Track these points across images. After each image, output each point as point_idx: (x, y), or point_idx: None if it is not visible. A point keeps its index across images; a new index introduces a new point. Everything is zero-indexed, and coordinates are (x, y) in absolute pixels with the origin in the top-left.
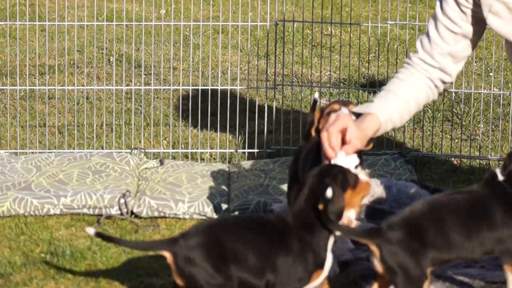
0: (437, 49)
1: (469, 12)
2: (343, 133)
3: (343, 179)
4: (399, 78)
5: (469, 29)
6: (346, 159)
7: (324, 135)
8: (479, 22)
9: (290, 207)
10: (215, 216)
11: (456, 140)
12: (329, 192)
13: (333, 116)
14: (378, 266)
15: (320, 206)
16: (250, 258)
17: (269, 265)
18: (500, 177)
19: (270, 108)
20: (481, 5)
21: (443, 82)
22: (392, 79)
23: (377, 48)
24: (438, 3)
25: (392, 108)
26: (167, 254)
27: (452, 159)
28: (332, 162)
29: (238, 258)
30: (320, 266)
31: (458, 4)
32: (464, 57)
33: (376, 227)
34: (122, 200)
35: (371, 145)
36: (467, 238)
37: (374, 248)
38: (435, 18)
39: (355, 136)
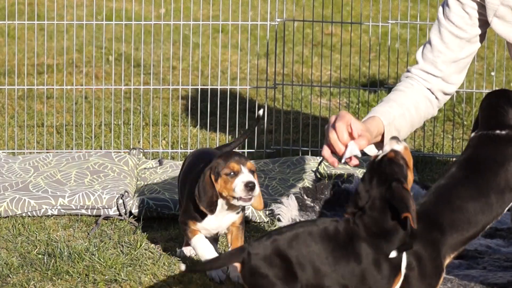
0: (441, 57)
1: (474, 13)
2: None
3: (404, 176)
4: (399, 89)
5: (475, 33)
6: (368, 148)
7: (331, 133)
8: (484, 25)
9: (357, 217)
10: None
11: (458, 140)
12: (410, 203)
13: (333, 116)
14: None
15: (405, 215)
16: (320, 269)
17: (342, 276)
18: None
19: (270, 108)
20: (486, 9)
21: (445, 94)
22: (392, 91)
23: (378, 48)
24: (440, 9)
25: (394, 113)
26: (236, 265)
27: (454, 159)
28: (346, 155)
29: (306, 269)
30: (399, 269)
31: (462, 6)
32: (466, 66)
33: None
34: (120, 201)
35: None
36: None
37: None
38: (437, 24)
39: (363, 128)
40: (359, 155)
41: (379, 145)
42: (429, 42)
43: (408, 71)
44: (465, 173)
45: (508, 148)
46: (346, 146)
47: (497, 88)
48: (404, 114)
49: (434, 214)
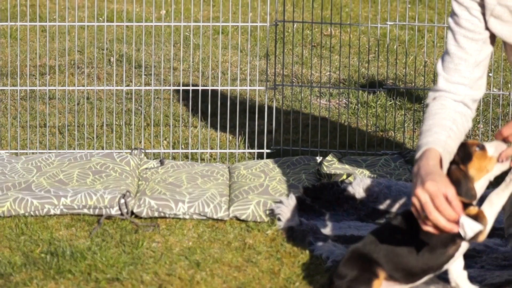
0: (462, 63)
1: (480, 15)
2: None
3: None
4: (433, 113)
5: (487, 33)
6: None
7: (434, 214)
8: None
9: None
10: (214, 216)
11: None
12: (462, 186)
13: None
14: None
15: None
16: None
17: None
18: None
19: (270, 108)
20: (485, 9)
21: (474, 101)
22: (426, 117)
23: (376, 49)
24: (450, 19)
25: (442, 137)
26: None
27: None
28: (468, 235)
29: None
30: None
31: (468, 10)
32: (485, 69)
33: None
34: (122, 200)
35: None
36: None
37: None
38: (451, 34)
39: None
40: (480, 227)
41: None
42: (447, 53)
43: (433, 90)
44: None
45: None
46: (457, 222)
47: (495, 89)
48: (450, 136)
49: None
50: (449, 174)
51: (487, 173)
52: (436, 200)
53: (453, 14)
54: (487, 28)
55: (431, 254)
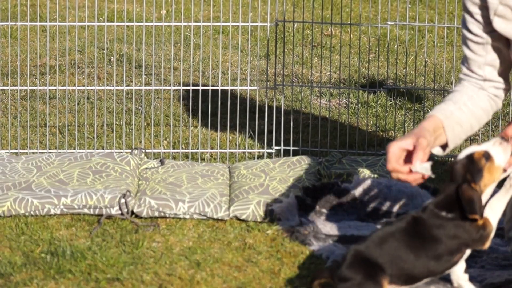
0: (475, 64)
1: (481, 19)
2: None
3: (478, 176)
4: (452, 91)
5: (488, 37)
6: (434, 150)
7: (393, 174)
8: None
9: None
10: (215, 216)
11: None
12: (475, 205)
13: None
14: None
15: (473, 216)
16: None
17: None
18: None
19: (270, 108)
20: (488, 9)
21: (498, 89)
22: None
23: (377, 49)
24: (462, 23)
25: (450, 108)
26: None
27: (452, 159)
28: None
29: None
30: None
31: (472, 15)
32: (504, 61)
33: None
34: (122, 200)
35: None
36: None
37: None
38: (462, 36)
39: (413, 140)
40: (427, 171)
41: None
42: (464, 54)
43: (459, 77)
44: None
45: None
46: (410, 171)
47: None
48: (461, 108)
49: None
50: (461, 193)
51: (494, 183)
52: (390, 162)
53: (462, 17)
54: (491, 31)
55: (437, 262)
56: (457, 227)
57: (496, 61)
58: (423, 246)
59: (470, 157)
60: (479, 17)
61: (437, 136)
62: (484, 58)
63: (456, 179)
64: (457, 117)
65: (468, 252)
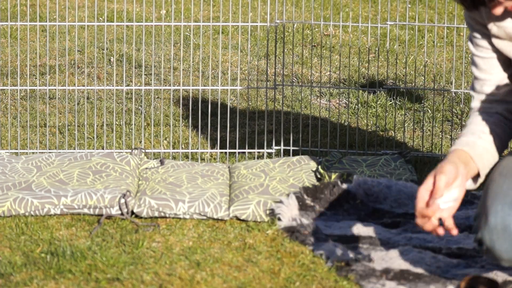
0: (487, 83)
1: (486, 36)
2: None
3: None
4: (465, 126)
5: (495, 54)
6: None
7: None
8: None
9: None
10: (215, 216)
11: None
12: None
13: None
14: None
15: None
16: None
17: None
18: None
19: (270, 108)
20: (488, 29)
21: (510, 112)
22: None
23: (376, 49)
24: (469, 43)
25: (470, 139)
26: None
27: None
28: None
29: None
30: None
31: (477, 31)
32: None
33: None
34: (122, 200)
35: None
36: None
37: None
38: (471, 55)
39: (449, 173)
40: (454, 202)
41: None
42: (473, 76)
43: (470, 111)
44: None
45: None
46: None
47: None
48: (481, 137)
49: None
50: None
51: None
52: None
53: (470, 35)
54: (495, 51)
55: None
56: None
57: (505, 80)
58: None
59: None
60: (483, 35)
61: (468, 168)
62: (496, 76)
63: None
64: (480, 146)
65: None
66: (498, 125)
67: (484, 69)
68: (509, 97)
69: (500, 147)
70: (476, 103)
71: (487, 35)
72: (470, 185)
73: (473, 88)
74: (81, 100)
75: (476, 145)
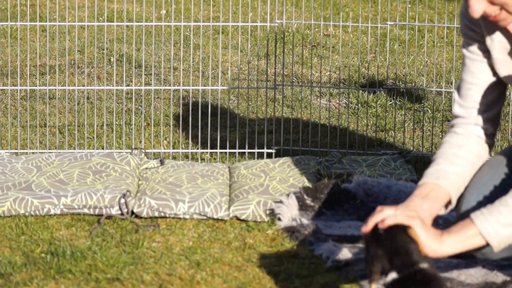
0: (473, 88)
1: (482, 53)
2: None
3: None
4: (442, 143)
5: (486, 61)
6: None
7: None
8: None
9: None
10: (215, 216)
11: None
12: None
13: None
14: None
15: None
16: None
17: None
18: None
19: (270, 108)
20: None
21: (488, 136)
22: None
23: (376, 49)
24: (462, 48)
25: (440, 167)
26: None
27: None
28: None
29: None
30: None
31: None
32: (499, 103)
33: None
34: (122, 200)
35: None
36: None
37: None
38: (463, 58)
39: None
40: None
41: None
42: (461, 79)
43: (452, 117)
44: None
45: None
46: None
47: None
48: (453, 162)
49: None
50: None
51: None
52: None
53: (463, 41)
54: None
55: None
56: None
57: (497, 93)
58: None
59: None
60: (479, 41)
61: (434, 202)
62: (484, 81)
63: None
64: (452, 173)
65: None
66: (474, 146)
67: (472, 71)
68: (490, 109)
69: (472, 170)
70: (457, 109)
71: (481, 42)
72: (442, 211)
73: (458, 91)
74: (81, 100)
75: (447, 174)
